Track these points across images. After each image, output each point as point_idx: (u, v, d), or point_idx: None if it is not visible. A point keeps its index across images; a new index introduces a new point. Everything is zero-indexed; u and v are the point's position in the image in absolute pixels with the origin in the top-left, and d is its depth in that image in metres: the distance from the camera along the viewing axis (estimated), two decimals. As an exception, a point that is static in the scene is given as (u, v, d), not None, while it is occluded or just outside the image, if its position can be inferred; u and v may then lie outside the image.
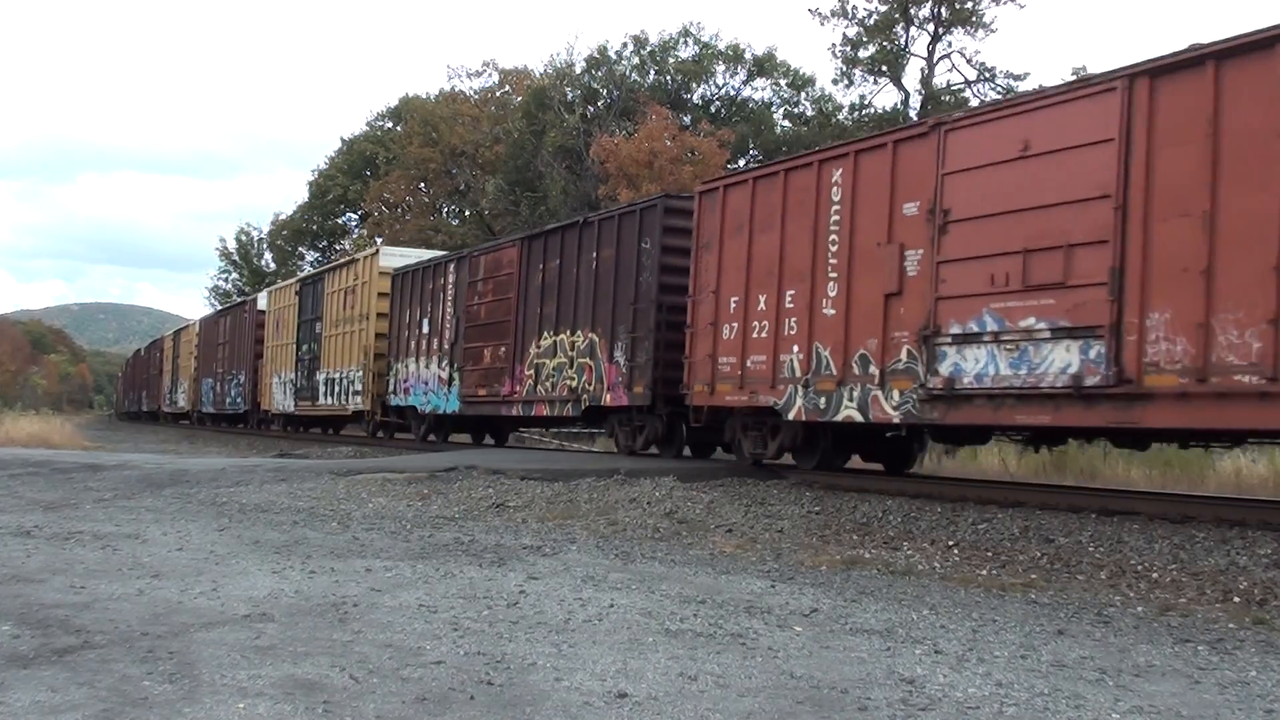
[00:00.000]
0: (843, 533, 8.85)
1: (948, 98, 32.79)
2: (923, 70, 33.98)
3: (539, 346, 16.57)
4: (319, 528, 8.70)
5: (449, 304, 19.61)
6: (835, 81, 46.54)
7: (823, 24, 37.05)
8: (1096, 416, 8.65)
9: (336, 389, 24.33)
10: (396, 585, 6.08)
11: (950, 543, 8.19)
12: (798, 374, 11.50)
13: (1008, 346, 9.26)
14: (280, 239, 59.06)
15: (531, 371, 16.76)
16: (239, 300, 39.04)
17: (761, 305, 12.09)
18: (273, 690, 3.88)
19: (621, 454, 14.90)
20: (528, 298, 16.97)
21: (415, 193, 48.13)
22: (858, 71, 35.08)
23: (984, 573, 7.19)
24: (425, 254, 23.51)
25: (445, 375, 19.65)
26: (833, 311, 11.14)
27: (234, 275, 62.57)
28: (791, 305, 11.68)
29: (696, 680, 4.20)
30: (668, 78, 39.54)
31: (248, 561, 6.79)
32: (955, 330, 9.71)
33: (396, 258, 22.99)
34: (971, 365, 9.58)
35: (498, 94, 45.71)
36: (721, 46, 40.89)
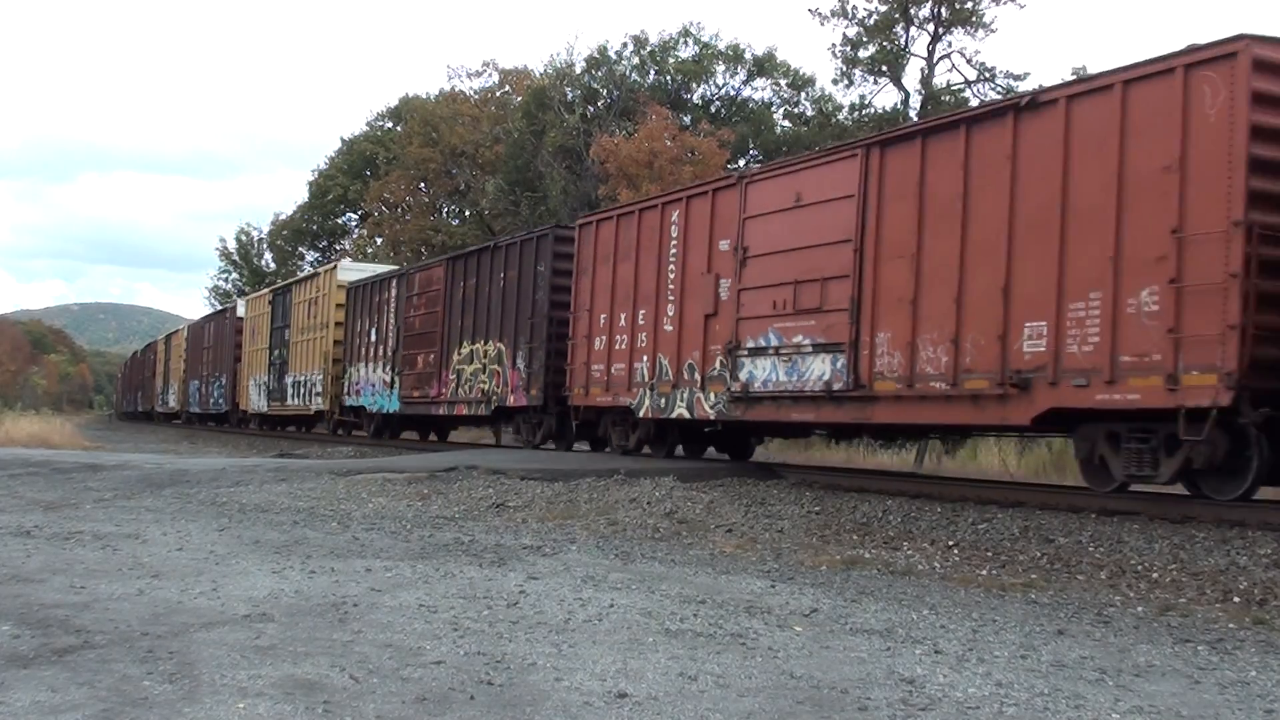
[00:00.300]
0: (843, 533, 8.85)
1: (948, 98, 32.78)
2: (923, 70, 33.95)
3: (460, 354, 19.04)
4: (319, 528, 8.70)
5: (391, 315, 22.10)
6: (835, 81, 46.43)
7: (823, 24, 36.95)
8: (843, 414, 11.00)
9: (301, 391, 26.96)
10: (396, 585, 6.08)
11: (950, 543, 8.19)
12: (646, 379, 14.01)
13: (784, 358, 11.63)
14: (280, 239, 59.02)
15: (454, 376, 19.24)
16: (221, 308, 41.21)
17: (622, 322, 14.58)
18: (273, 690, 3.88)
19: (527, 448, 17.36)
20: (451, 311, 19.44)
21: (415, 193, 48.11)
22: (858, 71, 35.03)
23: (984, 573, 7.19)
24: (379, 268, 26.02)
25: (388, 379, 22.14)
26: (671, 328, 13.65)
27: (234, 275, 62.51)
28: (642, 322, 14.20)
29: (696, 680, 4.20)
30: (668, 78, 39.53)
31: (248, 561, 6.79)
32: (750, 345, 12.16)
33: (353, 272, 25.57)
34: (761, 373, 11.97)
35: (498, 94, 45.68)
36: (721, 46, 40.89)
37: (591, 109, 36.85)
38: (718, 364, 12.62)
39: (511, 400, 17.25)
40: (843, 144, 12.01)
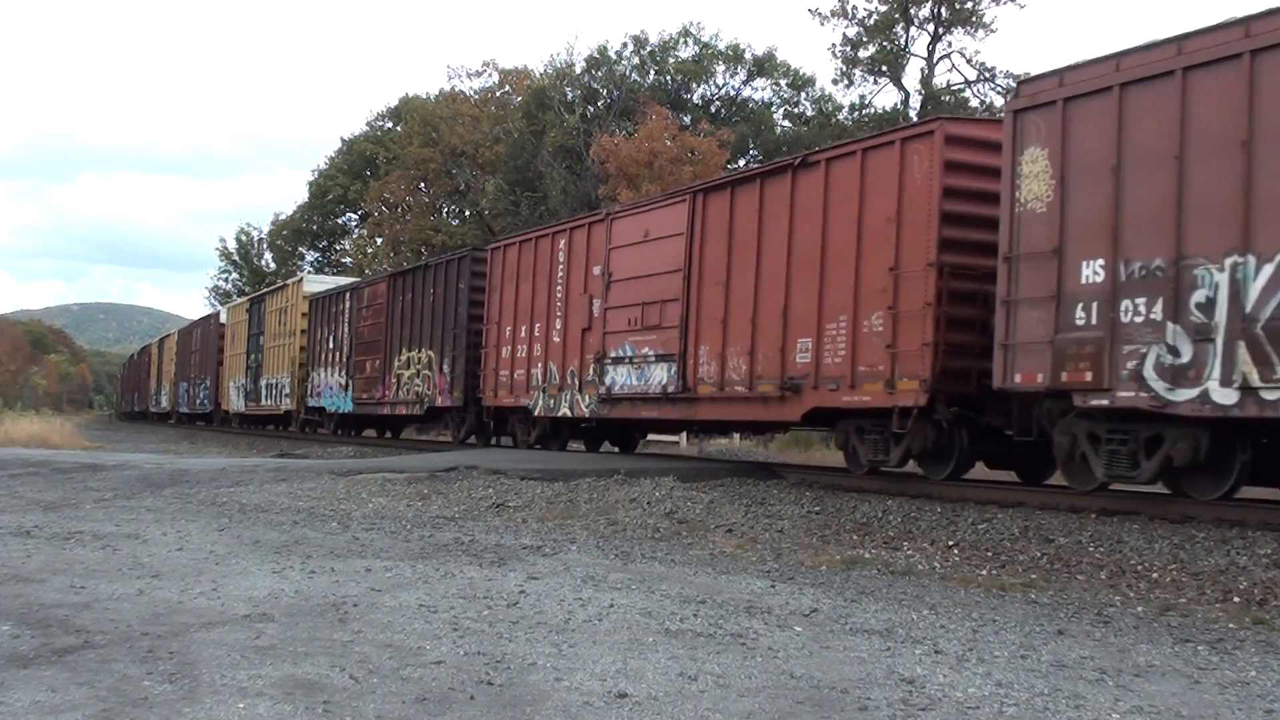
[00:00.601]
0: (843, 533, 8.85)
1: (948, 98, 32.78)
2: (923, 70, 33.98)
3: (400, 360, 21.69)
4: (319, 528, 8.70)
5: (346, 325, 24.76)
6: (835, 81, 46.50)
7: (823, 24, 37.00)
8: (676, 412, 13.86)
9: (273, 392, 29.79)
10: (396, 585, 6.08)
11: (950, 543, 8.19)
12: (540, 383, 16.55)
13: (636, 366, 14.23)
14: (280, 239, 59.00)
15: (395, 380, 21.91)
16: (206, 315, 44.08)
17: (522, 333, 17.18)
18: (273, 690, 3.88)
19: (455, 444, 19.70)
20: (393, 322, 22.16)
21: (415, 193, 48.10)
22: (858, 71, 35.05)
23: (984, 573, 7.19)
24: (340, 281, 28.91)
25: (343, 382, 24.82)
26: (558, 339, 16.20)
27: (234, 275, 62.48)
28: (538, 334, 16.74)
29: (696, 680, 4.20)
30: (668, 78, 39.52)
31: (248, 561, 6.79)
32: (613, 355, 14.80)
33: (316, 284, 28.21)
34: (620, 378, 14.59)
35: (498, 94, 45.67)
36: (721, 46, 40.88)
37: (591, 109, 36.84)
38: (591, 371, 15.24)
39: (439, 401, 19.84)
40: (678, 190, 15.12)
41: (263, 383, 30.59)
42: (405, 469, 12.85)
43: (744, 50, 40.90)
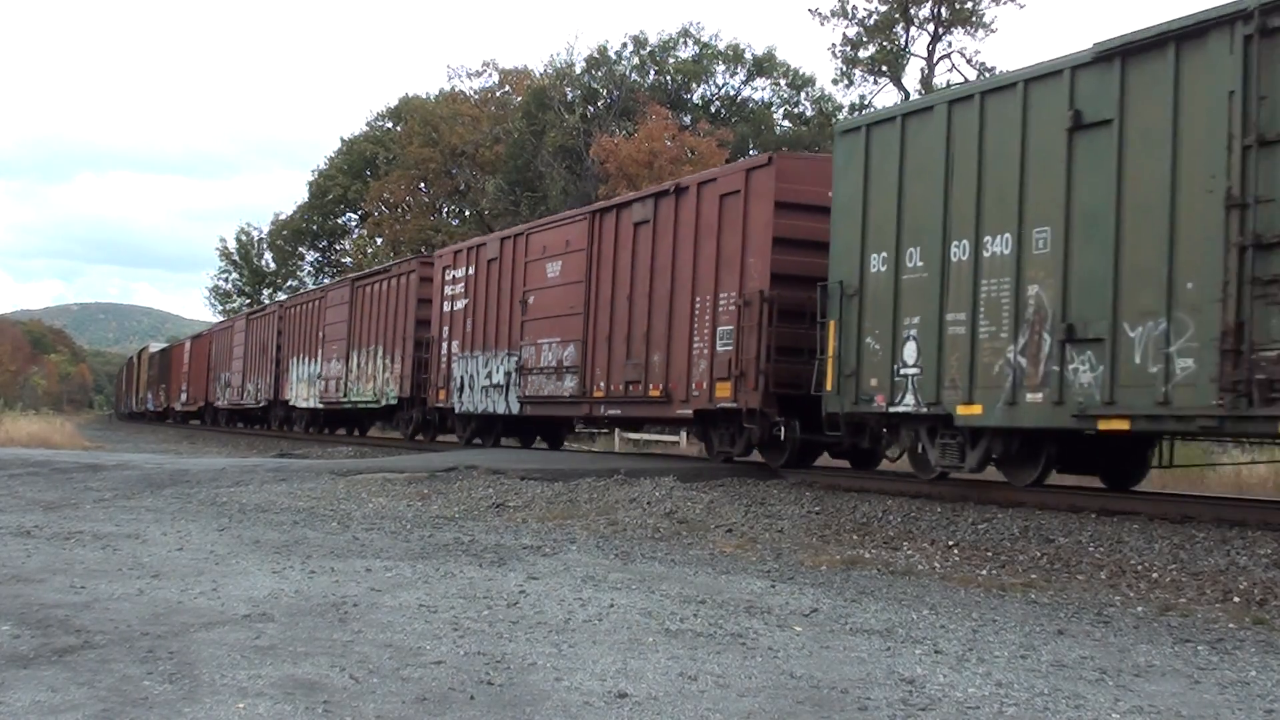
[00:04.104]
0: (843, 533, 8.85)
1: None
2: (923, 70, 33.99)
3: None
4: (319, 528, 8.70)
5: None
6: (835, 81, 46.54)
7: (823, 24, 37.01)
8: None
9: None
10: (396, 585, 6.08)
11: (950, 543, 8.19)
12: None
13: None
14: (280, 239, 58.95)
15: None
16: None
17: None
18: (273, 690, 3.88)
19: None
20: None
21: (415, 193, 48.09)
22: (858, 71, 35.06)
23: (984, 573, 7.19)
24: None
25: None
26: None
27: (234, 275, 62.44)
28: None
29: (696, 680, 4.20)
30: (668, 78, 39.52)
31: (248, 561, 6.79)
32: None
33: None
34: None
35: (498, 94, 45.66)
36: (721, 46, 40.89)
37: (591, 109, 36.84)
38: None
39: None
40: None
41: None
42: (405, 469, 12.84)
43: (744, 50, 40.93)
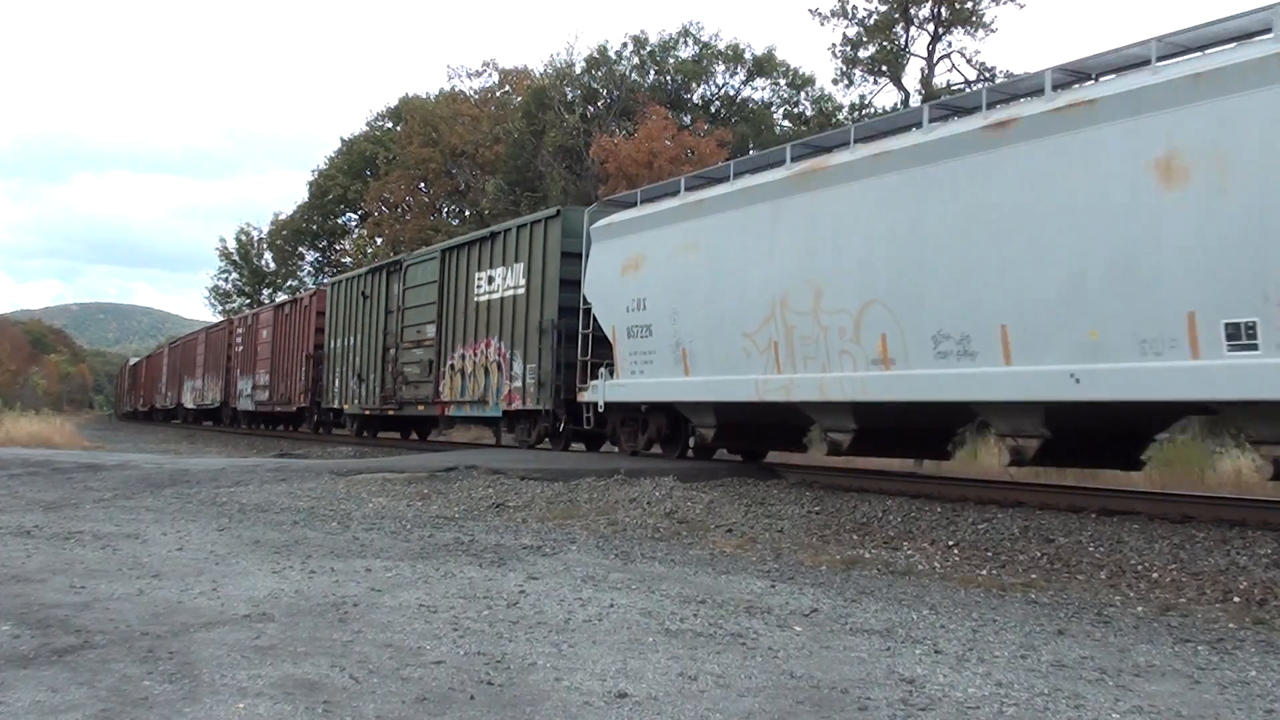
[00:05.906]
0: (843, 533, 8.85)
1: (947, 98, 32.73)
2: (923, 70, 33.97)
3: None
4: (319, 528, 8.70)
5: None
6: (835, 81, 46.52)
7: (823, 24, 37.00)
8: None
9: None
10: (396, 585, 6.08)
11: (950, 543, 8.19)
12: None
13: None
14: (280, 239, 58.95)
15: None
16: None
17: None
18: (273, 690, 3.88)
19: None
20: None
21: (415, 193, 48.09)
22: (858, 71, 35.05)
23: (984, 573, 7.19)
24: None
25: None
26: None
27: (234, 275, 62.43)
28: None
29: (696, 680, 4.20)
30: (667, 78, 39.52)
31: (248, 561, 6.79)
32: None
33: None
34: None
35: (498, 94, 45.67)
36: (721, 46, 40.87)
37: (591, 109, 36.84)
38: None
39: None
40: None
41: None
42: (405, 469, 12.84)
43: (744, 50, 40.92)
